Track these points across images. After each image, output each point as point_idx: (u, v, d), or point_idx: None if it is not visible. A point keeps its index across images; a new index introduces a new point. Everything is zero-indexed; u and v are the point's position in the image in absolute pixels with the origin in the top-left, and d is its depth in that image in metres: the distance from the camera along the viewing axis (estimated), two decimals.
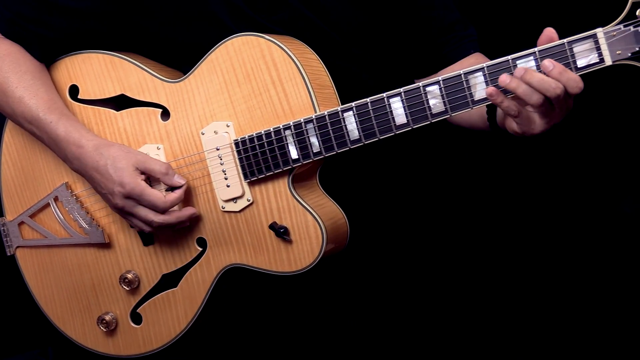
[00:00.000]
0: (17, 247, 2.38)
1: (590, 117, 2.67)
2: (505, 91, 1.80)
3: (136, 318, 2.26)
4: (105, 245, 2.26)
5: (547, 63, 1.76)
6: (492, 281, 2.50)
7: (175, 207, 2.10)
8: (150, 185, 2.10)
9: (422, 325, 2.36)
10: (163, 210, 2.08)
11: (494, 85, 1.81)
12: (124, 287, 2.23)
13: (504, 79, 1.79)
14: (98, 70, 2.22)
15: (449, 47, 2.22)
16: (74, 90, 2.25)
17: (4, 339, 3.09)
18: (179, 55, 2.21)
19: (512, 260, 2.59)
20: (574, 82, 1.75)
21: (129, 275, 2.23)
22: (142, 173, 2.09)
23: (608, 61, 1.73)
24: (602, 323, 2.64)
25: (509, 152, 2.07)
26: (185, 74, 2.14)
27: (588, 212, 2.78)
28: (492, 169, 2.76)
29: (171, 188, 2.11)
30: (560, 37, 1.77)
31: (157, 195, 2.07)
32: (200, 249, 2.16)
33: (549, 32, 1.79)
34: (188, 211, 2.12)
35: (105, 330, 2.27)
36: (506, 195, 2.73)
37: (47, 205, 2.31)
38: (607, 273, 2.71)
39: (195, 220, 2.15)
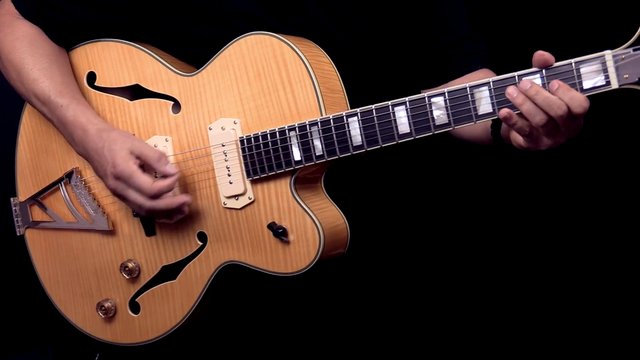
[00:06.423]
0: (27, 227, 2.41)
1: (594, 121, 2.63)
2: (512, 106, 1.78)
3: (134, 307, 2.27)
4: (109, 232, 2.28)
5: (554, 82, 1.73)
6: (494, 287, 2.48)
7: (170, 193, 2.09)
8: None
9: (420, 333, 2.34)
10: (150, 195, 2.07)
11: (506, 106, 1.79)
12: (124, 275, 2.25)
13: (511, 91, 1.77)
14: (116, 59, 2.24)
15: (456, 61, 2.20)
16: (91, 77, 2.28)
17: (4, 339, 3.09)
18: (193, 52, 2.22)
19: (516, 265, 2.57)
20: (578, 101, 1.72)
21: (130, 264, 2.24)
22: (138, 158, 2.09)
23: (614, 84, 1.70)
24: (606, 326, 2.61)
25: (511, 156, 2.06)
26: (197, 69, 2.15)
27: (592, 216, 2.76)
28: (495, 171, 2.74)
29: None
30: (569, 57, 1.74)
31: (146, 180, 2.05)
32: (201, 244, 2.17)
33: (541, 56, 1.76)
34: (180, 198, 2.09)
35: (103, 316, 2.29)
36: (509, 200, 2.71)
37: (58, 188, 2.34)
38: (611, 277, 2.68)
39: (197, 215, 2.15)
